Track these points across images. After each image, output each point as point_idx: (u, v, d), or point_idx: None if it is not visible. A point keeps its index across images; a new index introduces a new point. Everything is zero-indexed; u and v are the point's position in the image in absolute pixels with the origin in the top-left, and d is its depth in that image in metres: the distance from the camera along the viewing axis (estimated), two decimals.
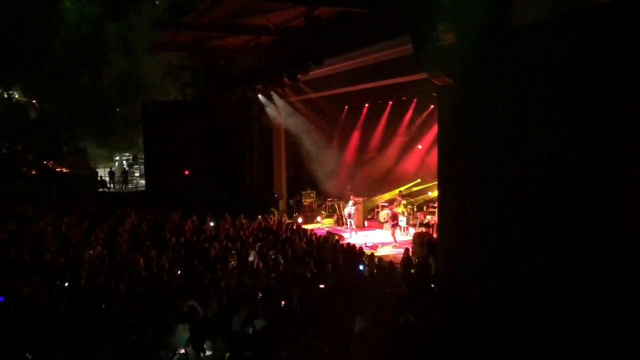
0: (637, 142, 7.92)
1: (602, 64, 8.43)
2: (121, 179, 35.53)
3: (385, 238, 18.66)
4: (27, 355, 7.40)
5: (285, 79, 17.28)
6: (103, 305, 9.32)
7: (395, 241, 17.61)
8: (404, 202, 19.48)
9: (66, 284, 11.06)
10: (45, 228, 16.46)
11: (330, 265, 12.11)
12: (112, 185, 34.76)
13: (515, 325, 8.91)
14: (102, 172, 35.83)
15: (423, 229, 17.16)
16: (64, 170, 33.70)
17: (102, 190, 33.20)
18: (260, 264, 12.55)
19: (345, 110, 23.26)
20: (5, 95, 39.08)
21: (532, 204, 9.79)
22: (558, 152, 9.26)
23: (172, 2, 33.23)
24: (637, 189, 7.76)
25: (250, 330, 8.11)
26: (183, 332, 7.97)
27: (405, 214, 19.23)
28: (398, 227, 18.46)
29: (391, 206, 19.49)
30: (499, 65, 10.40)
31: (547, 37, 9.55)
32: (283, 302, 9.59)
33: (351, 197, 20.67)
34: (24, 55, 34.55)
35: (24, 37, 34.12)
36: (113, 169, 37.43)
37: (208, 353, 7.62)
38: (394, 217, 18.26)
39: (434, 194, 18.80)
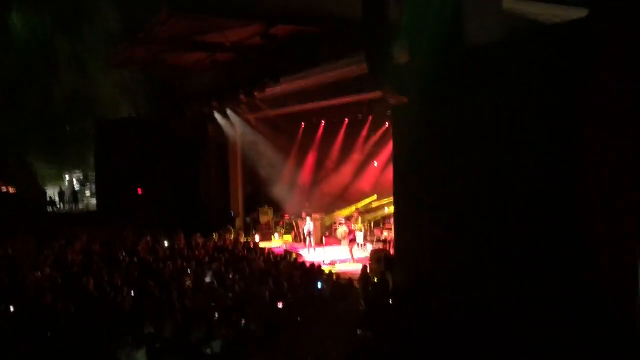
0: (586, 156, 8.21)
1: (551, 83, 8.75)
2: (71, 198, 34.46)
3: (343, 255, 18.70)
4: None
5: (242, 96, 17.24)
6: (51, 329, 8.94)
7: (353, 257, 17.65)
8: (360, 218, 19.60)
9: (11, 308, 10.57)
10: None
11: (286, 283, 12.02)
12: (62, 205, 33.66)
13: (476, 337, 9.04)
14: (51, 192, 34.66)
15: (380, 245, 17.28)
16: (10, 189, 32.43)
17: (51, 209, 32.12)
18: (216, 283, 12.34)
19: (301, 127, 23.35)
20: None
21: (489, 217, 10.00)
22: (512, 167, 9.51)
23: (126, 17, 32.79)
24: (587, 203, 8.03)
25: (208, 350, 7.93)
26: (140, 356, 7.73)
27: (362, 230, 19.34)
28: (355, 244, 18.54)
29: (348, 222, 19.58)
30: (452, 83, 10.66)
31: (497, 57, 9.87)
32: (241, 322, 9.43)
33: (307, 213, 20.68)
34: None
35: None
36: (63, 188, 36.28)
37: None
38: (351, 233, 18.34)
39: (390, 210, 19.01)
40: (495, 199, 9.88)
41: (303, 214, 21.58)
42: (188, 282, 12.54)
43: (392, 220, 16.76)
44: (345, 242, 19.07)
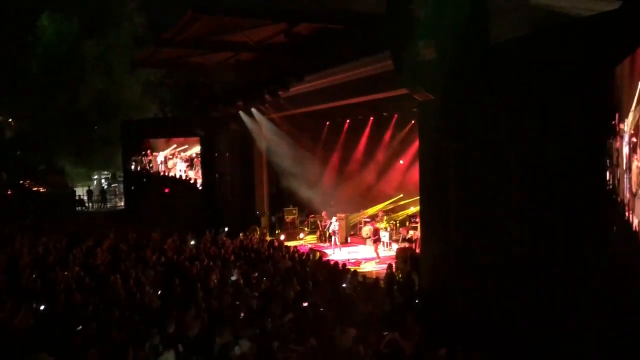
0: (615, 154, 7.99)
1: (580, 77, 8.53)
2: (99, 198, 35.03)
3: (369, 254, 18.60)
4: None
5: (266, 96, 17.24)
6: (80, 329, 9.05)
7: (378, 257, 17.54)
8: (386, 217, 19.46)
9: (42, 307, 10.75)
10: (21, 249, 16.07)
11: (312, 283, 11.98)
12: (90, 205, 34.24)
13: (501, 340, 8.89)
14: (80, 191, 35.28)
15: (406, 244, 17.12)
16: (41, 189, 33.13)
17: (80, 209, 32.70)
18: (242, 282, 12.37)
19: (326, 126, 23.28)
20: None
21: (517, 216, 9.81)
22: (541, 164, 9.31)
23: (151, 19, 33.22)
24: (617, 202, 7.80)
25: (234, 351, 7.93)
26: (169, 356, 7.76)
27: (388, 229, 19.21)
28: (380, 243, 18.41)
29: (373, 222, 19.45)
30: (478, 79, 10.50)
31: (524, 52, 9.67)
32: (266, 322, 9.41)
33: (329, 213, 20.62)
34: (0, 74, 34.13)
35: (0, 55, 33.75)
36: (91, 187, 36.90)
37: None
38: (376, 233, 18.22)
39: (415, 209, 18.83)
40: (524, 197, 9.69)
41: (324, 214, 21.55)
42: (215, 280, 12.62)
43: (418, 219, 16.62)
44: (370, 242, 18.96)
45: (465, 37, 10.34)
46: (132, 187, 29.51)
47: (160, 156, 29.16)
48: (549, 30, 9.47)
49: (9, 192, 31.83)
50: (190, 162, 28.53)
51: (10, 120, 39.51)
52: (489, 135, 10.49)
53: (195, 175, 28.42)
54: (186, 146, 28.60)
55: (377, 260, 17.34)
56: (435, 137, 11.98)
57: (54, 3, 35.77)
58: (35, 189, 33.24)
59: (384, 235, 18.90)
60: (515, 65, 9.87)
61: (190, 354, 7.83)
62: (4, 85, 35.19)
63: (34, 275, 12.91)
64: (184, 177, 28.72)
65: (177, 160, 28.97)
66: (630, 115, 6.52)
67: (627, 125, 6.69)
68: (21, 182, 33.31)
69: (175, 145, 28.85)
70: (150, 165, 29.20)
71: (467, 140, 11.05)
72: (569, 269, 8.79)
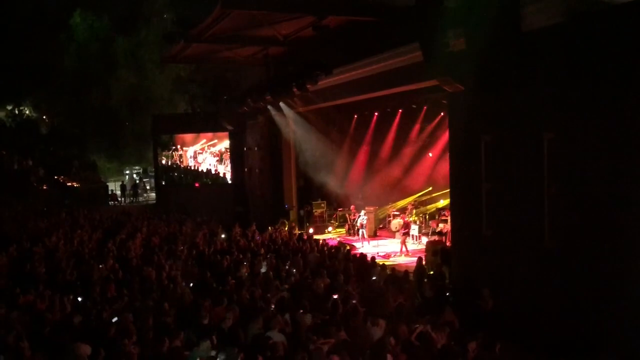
0: None
1: (615, 66, 8.33)
2: (132, 192, 35.66)
3: (398, 247, 18.54)
4: None
5: (295, 89, 17.27)
6: (116, 319, 9.25)
7: (407, 250, 17.46)
8: (415, 210, 19.35)
9: (79, 299, 11.02)
10: (58, 243, 16.49)
11: (342, 275, 12.00)
12: (123, 199, 34.89)
13: (532, 335, 8.78)
14: (113, 186, 35.97)
15: (436, 238, 17.01)
16: (75, 184, 33.87)
17: (113, 203, 33.33)
18: (272, 275, 12.47)
19: (354, 119, 23.21)
20: (16, 111, 39.48)
21: (549, 209, 9.65)
22: (575, 156, 9.13)
23: (180, 16, 33.54)
24: None
25: (265, 341, 8.00)
26: (203, 346, 7.88)
27: (417, 222, 19.09)
28: (409, 236, 18.31)
29: (403, 215, 19.34)
30: (509, 70, 10.33)
31: (557, 41, 9.48)
32: (297, 313, 9.47)
33: (357, 207, 20.56)
34: (34, 71, 34.98)
35: (34, 53, 34.55)
36: (124, 182, 37.59)
37: None
38: (406, 226, 18.11)
39: (445, 202, 18.68)
40: (556, 189, 9.52)
41: (352, 207, 21.53)
42: (245, 272, 12.75)
43: (447, 212, 16.48)
44: (399, 235, 18.90)
45: (496, 25, 10.17)
46: (163, 182, 29.96)
47: (190, 151, 29.54)
48: (584, 18, 9.24)
49: (44, 187, 32.60)
50: (220, 156, 28.84)
51: (44, 117, 40.48)
52: (520, 126, 10.32)
53: (224, 170, 28.72)
54: (215, 141, 28.92)
55: (406, 253, 17.25)
56: (466, 128, 11.85)
57: (86, 1, 36.48)
58: (70, 184, 33.98)
59: (414, 229, 18.80)
60: (548, 54, 9.68)
61: (224, 345, 7.92)
62: (39, 82, 36.06)
63: (71, 268, 13.22)
64: (213, 172, 29.05)
65: (207, 155, 29.31)
66: None
67: None
68: (56, 177, 34.08)
69: (204, 140, 29.20)
70: (181, 159, 29.59)
71: (498, 131, 10.90)
72: (602, 264, 8.63)
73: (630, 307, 7.92)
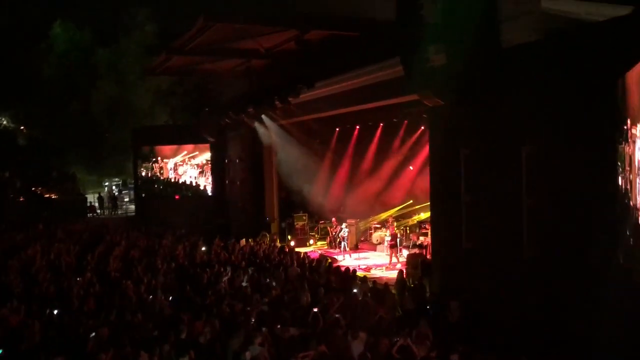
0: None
1: (590, 82, 8.51)
2: (110, 204, 35.28)
3: (379, 260, 18.58)
4: None
5: (277, 102, 17.31)
6: (93, 334, 9.11)
7: (398, 261, 17.39)
8: (396, 223, 19.42)
9: (55, 312, 10.83)
10: (35, 255, 16.22)
11: (323, 289, 11.97)
12: (101, 211, 34.48)
13: (513, 343, 8.83)
14: (92, 198, 35.56)
15: (416, 250, 17.07)
16: (53, 196, 33.40)
17: (91, 215, 32.93)
18: (249, 289, 12.37)
19: (336, 132, 23.31)
20: None
21: (528, 221, 9.78)
22: (552, 169, 9.29)
23: (162, 28, 33.49)
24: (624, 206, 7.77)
25: (246, 356, 7.94)
26: None
27: (398, 235, 19.15)
28: (397, 247, 18.24)
29: (392, 227, 19.34)
30: (489, 85, 10.50)
31: (535, 57, 9.68)
32: (277, 327, 9.42)
33: (338, 219, 20.59)
34: (12, 81, 34.50)
35: (12, 62, 34.13)
36: (102, 194, 37.18)
37: None
38: (393, 237, 18.09)
39: (425, 215, 18.77)
40: (535, 201, 9.66)
41: (334, 220, 21.56)
42: (224, 287, 12.65)
43: (428, 225, 16.57)
44: (382, 247, 18.92)
45: (476, 42, 10.34)
46: (143, 194, 29.70)
47: (171, 163, 29.34)
48: (560, 36, 9.45)
49: (21, 199, 32.10)
50: (201, 168, 28.70)
51: (22, 127, 39.90)
52: (499, 140, 10.49)
53: (205, 182, 28.56)
54: (196, 153, 28.78)
55: (394, 264, 17.20)
56: (446, 142, 11.99)
57: (67, 12, 36.26)
58: (47, 195, 33.50)
59: (388, 241, 18.92)
60: (526, 71, 9.87)
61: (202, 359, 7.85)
62: (17, 92, 35.58)
63: (48, 281, 13.00)
64: (194, 184, 28.86)
65: (188, 167, 29.14)
66: None
67: (639, 131, 6.66)
68: (33, 188, 33.59)
69: (185, 152, 29.03)
70: (161, 171, 29.38)
71: (477, 144, 11.05)
72: (580, 273, 8.76)
73: (608, 315, 8.03)
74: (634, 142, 6.89)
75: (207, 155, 28.26)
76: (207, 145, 27.65)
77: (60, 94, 35.79)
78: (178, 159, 29.30)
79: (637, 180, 6.77)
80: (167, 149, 29.19)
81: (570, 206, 8.95)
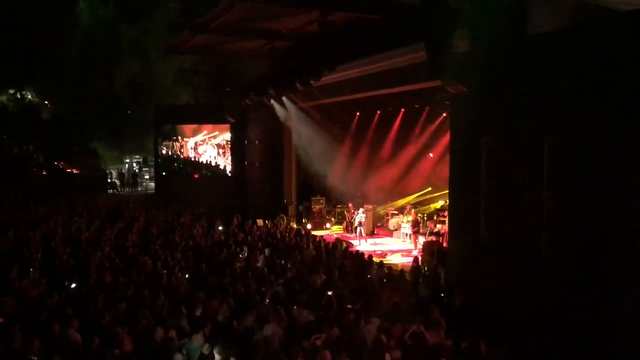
0: None
1: (619, 73, 8.31)
2: (131, 181, 35.69)
3: (395, 246, 18.56)
4: (33, 357, 7.32)
5: (298, 85, 17.23)
6: (110, 308, 9.26)
7: (415, 247, 17.37)
8: (413, 210, 19.35)
9: (73, 285, 11.03)
10: (56, 229, 16.49)
11: (338, 272, 12.01)
12: (122, 188, 34.90)
13: (526, 337, 8.78)
14: (113, 174, 35.99)
15: (433, 238, 17.00)
16: (74, 171, 33.86)
17: (112, 191, 33.35)
18: (265, 270, 12.46)
19: (356, 116, 23.18)
20: (18, 96, 39.41)
21: (548, 213, 9.65)
22: (575, 161, 9.12)
23: (186, 6, 33.48)
24: None
25: (259, 335, 8.02)
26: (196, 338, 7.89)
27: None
28: (419, 235, 18.19)
29: (414, 214, 19.29)
30: (513, 73, 10.30)
31: (562, 45, 9.45)
32: (292, 308, 9.48)
33: (355, 204, 20.55)
34: (37, 57, 34.86)
35: (37, 38, 34.44)
36: (123, 170, 37.60)
37: (217, 357, 7.56)
38: (415, 224, 18.06)
39: (444, 202, 18.68)
40: (555, 194, 9.51)
41: (350, 205, 21.54)
42: (240, 265, 12.76)
43: (446, 212, 16.47)
44: (398, 234, 18.87)
45: (502, 28, 10.12)
46: (163, 172, 29.97)
47: (191, 142, 29.53)
48: (590, 24, 9.22)
49: (43, 173, 32.60)
50: (222, 149, 28.84)
51: (46, 102, 40.41)
52: (521, 130, 10.30)
53: (224, 162, 28.71)
54: (216, 132, 28.92)
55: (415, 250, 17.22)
56: (467, 130, 11.83)
57: None
58: (69, 170, 33.98)
59: (405, 227, 18.90)
60: (552, 60, 9.65)
61: (217, 338, 7.94)
62: (42, 67, 35.97)
63: (67, 255, 13.23)
64: (213, 164, 29.04)
65: (208, 147, 29.31)
66: None
67: None
68: (55, 163, 34.08)
69: (205, 132, 29.18)
70: (182, 150, 29.60)
71: (499, 134, 10.88)
72: (598, 270, 8.63)
73: (627, 313, 7.93)
74: None
75: (227, 135, 28.37)
76: (227, 125, 27.74)
77: (84, 70, 36.10)
78: (198, 138, 29.48)
79: None
80: (187, 127, 29.38)
81: (592, 201, 8.77)
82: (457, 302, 10.25)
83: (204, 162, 29.48)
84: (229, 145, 28.37)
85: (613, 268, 8.34)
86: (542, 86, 9.83)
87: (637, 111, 7.74)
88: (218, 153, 29.06)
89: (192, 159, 29.75)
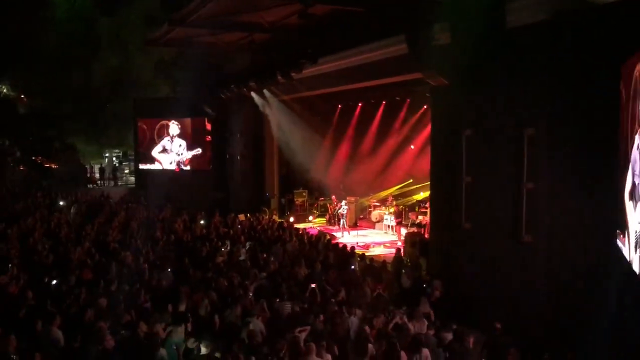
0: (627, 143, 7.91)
1: (597, 65, 8.43)
2: (111, 175, 35.27)
3: (377, 238, 18.65)
4: (12, 356, 7.21)
5: (279, 77, 17.17)
6: (92, 304, 9.17)
7: (399, 238, 17.49)
8: (395, 202, 19.47)
9: (54, 282, 10.89)
10: (34, 225, 16.26)
11: (321, 265, 12.05)
12: (102, 182, 34.49)
13: (507, 323, 8.92)
14: (92, 169, 35.54)
15: (414, 229, 17.12)
16: (53, 166, 33.37)
17: (91, 186, 32.95)
18: (248, 263, 12.45)
19: (338, 109, 23.20)
20: None
21: (527, 203, 9.79)
22: (554, 152, 9.25)
23: None
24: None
25: (243, 329, 8.02)
26: (179, 332, 7.87)
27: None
28: (401, 226, 18.32)
29: (396, 206, 19.40)
30: (493, 65, 10.40)
31: (541, 38, 9.56)
32: (275, 301, 9.50)
33: (338, 197, 20.60)
34: (13, 49, 34.13)
35: (13, 30, 33.72)
36: (103, 165, 37.13)
37: (203, 351, 7.55)
38: (399, 215, 18.18)
39: (425, 194, 18.80)
40: (535, 184, 9.65)
41: (333, 198, 21.59)
42: (222, 259, 12.72)
43: (427, 204, 16.60)
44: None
45: (482, 21, 10.21)
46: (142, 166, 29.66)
47: (168, 137, 29.12)
48: (568, 16, 9.32)
49: (21, 168, 32.08)
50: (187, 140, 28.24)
51: (22, 96, 39.63)
52: (501, 122, 10.43)
53: (190, 155, 27.96)
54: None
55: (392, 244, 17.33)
56: (448, 122, 11.93)
57: None
58: (48, 165, 33.47)
59: (387, 219, 19.01)
60: (531, 52, 9.76)
61: (200, 332, 7.92)
62: (17, 60, 35.24)
63: (47, 251, 13.06)
64: (183, 158, 28.51)
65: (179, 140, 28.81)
66: None
67: None
68: (34, 158, 33.54)
69: (177, 124, 28.73)
70: (161, 144, 29.24)
71: (479, 125, 11.00)
72: (577, 258, 8.79)
73: (605, 302, 8.08)
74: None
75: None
76: (188, 119, 27.45)
77: (60, 63, 35.45)
78: (174, 131, 28.93)
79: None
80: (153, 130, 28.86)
81: (570, 190, 8.92)
82: (436, 294, 10.37)
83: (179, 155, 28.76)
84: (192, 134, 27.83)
85: (592, 257, 8.50)
86: (521, 78, 9.94)
87: (611, 102, 7.84)
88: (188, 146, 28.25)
89: (169, 153, 29.03)
